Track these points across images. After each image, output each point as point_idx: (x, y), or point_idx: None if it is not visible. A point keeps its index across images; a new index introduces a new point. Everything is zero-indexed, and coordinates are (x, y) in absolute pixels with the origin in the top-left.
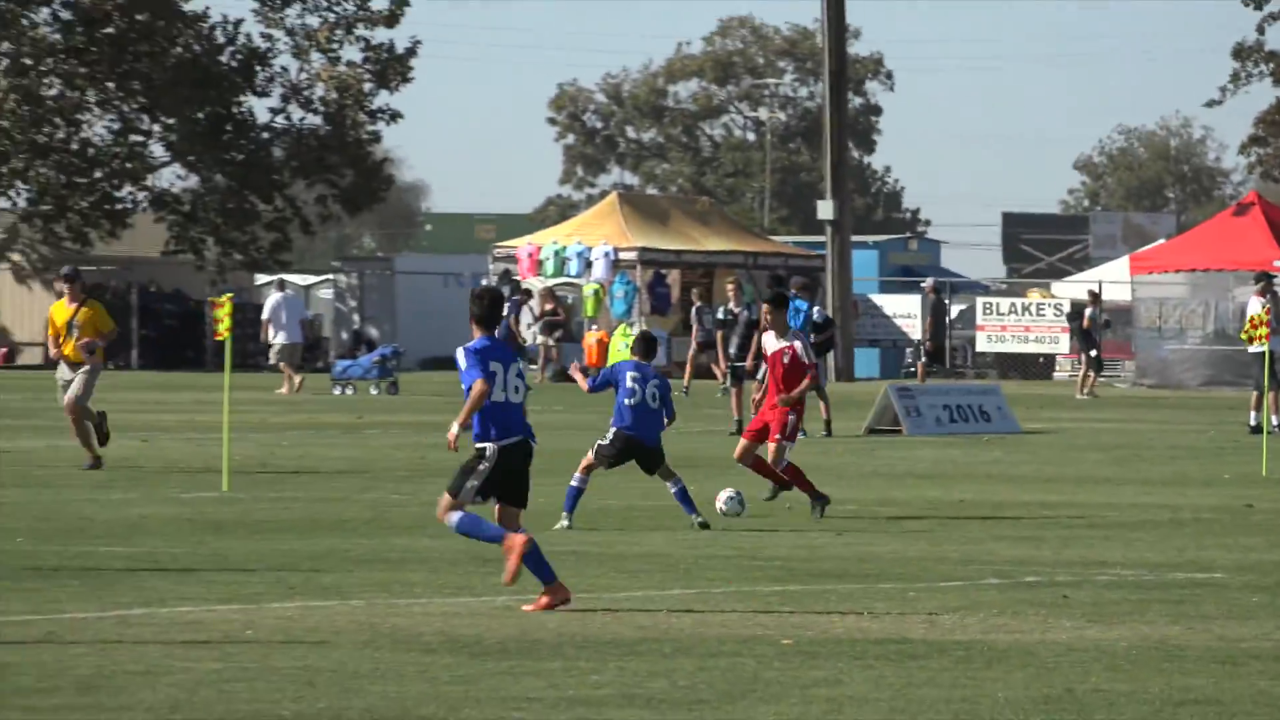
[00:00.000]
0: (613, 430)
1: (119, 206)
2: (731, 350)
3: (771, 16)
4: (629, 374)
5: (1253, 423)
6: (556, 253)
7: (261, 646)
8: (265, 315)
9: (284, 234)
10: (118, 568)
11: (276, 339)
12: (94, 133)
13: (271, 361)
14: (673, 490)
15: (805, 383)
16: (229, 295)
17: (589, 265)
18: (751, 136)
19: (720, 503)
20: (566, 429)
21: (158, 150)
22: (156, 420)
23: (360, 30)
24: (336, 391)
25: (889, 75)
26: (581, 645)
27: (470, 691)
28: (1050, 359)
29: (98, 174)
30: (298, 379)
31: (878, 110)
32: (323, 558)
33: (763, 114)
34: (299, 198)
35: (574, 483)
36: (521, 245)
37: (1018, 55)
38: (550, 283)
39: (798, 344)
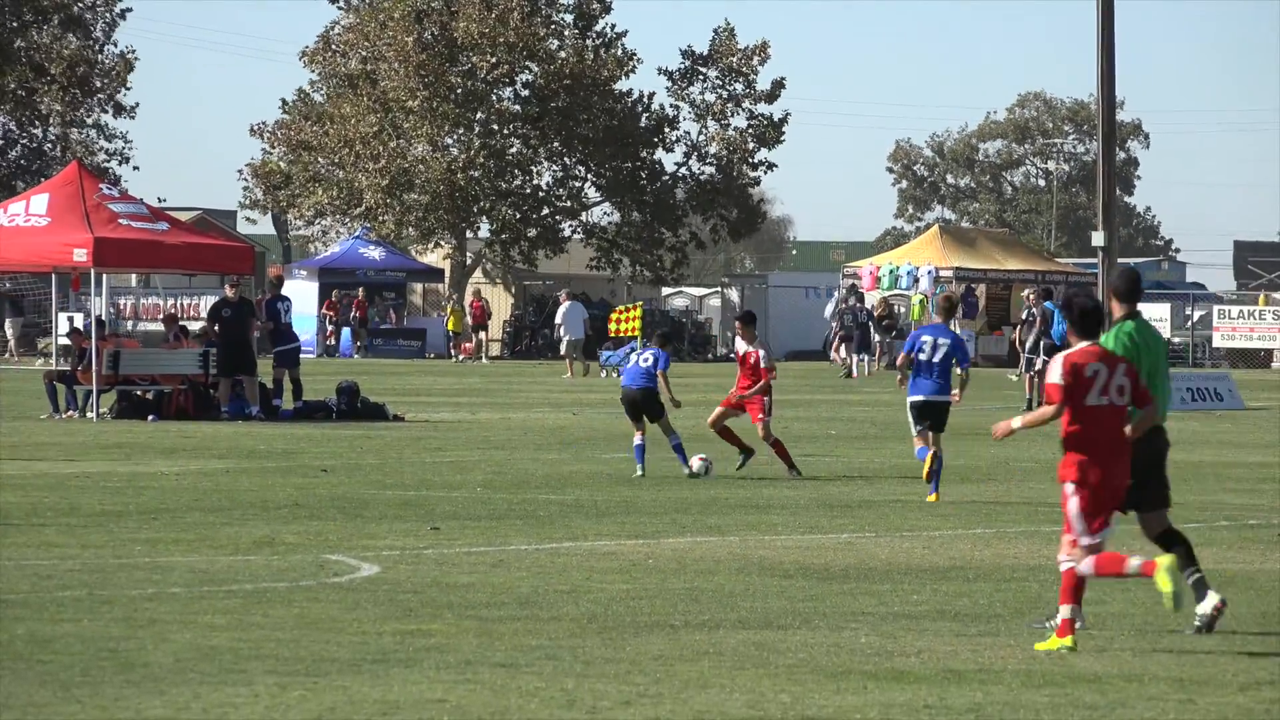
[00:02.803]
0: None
1: (559, 235)
2: (1027, 343)
3: (1059, 91)
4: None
5: None
6: (891, 271)
7: (659, 572)
8: (557, 319)
9: (682, 254)
10: (552, 511)
11: (566, 337)
12: (542, 180)
13: (562, 354)
14: (671, 443)
15: (763, 381)
16: (639, 303)
17: (916, 280)
18: (1042, 183)
19: (694, 464)
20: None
21: (590, 193)
22: (582, 397)
23: (746, 104)
24: (603, 375)
25: (1146, 136)
26: (905, 572)
27: (818, 607)
28: (1270, 352)
29: (545, 211)
30: (582, 367)
31: (1137, 162)
32: (708, 504)
33: (1051, 166)
34: (695, 227)
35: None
36: (865, 265)
37: (1238, 121)
38: (886, 294)
39: (761, 351)
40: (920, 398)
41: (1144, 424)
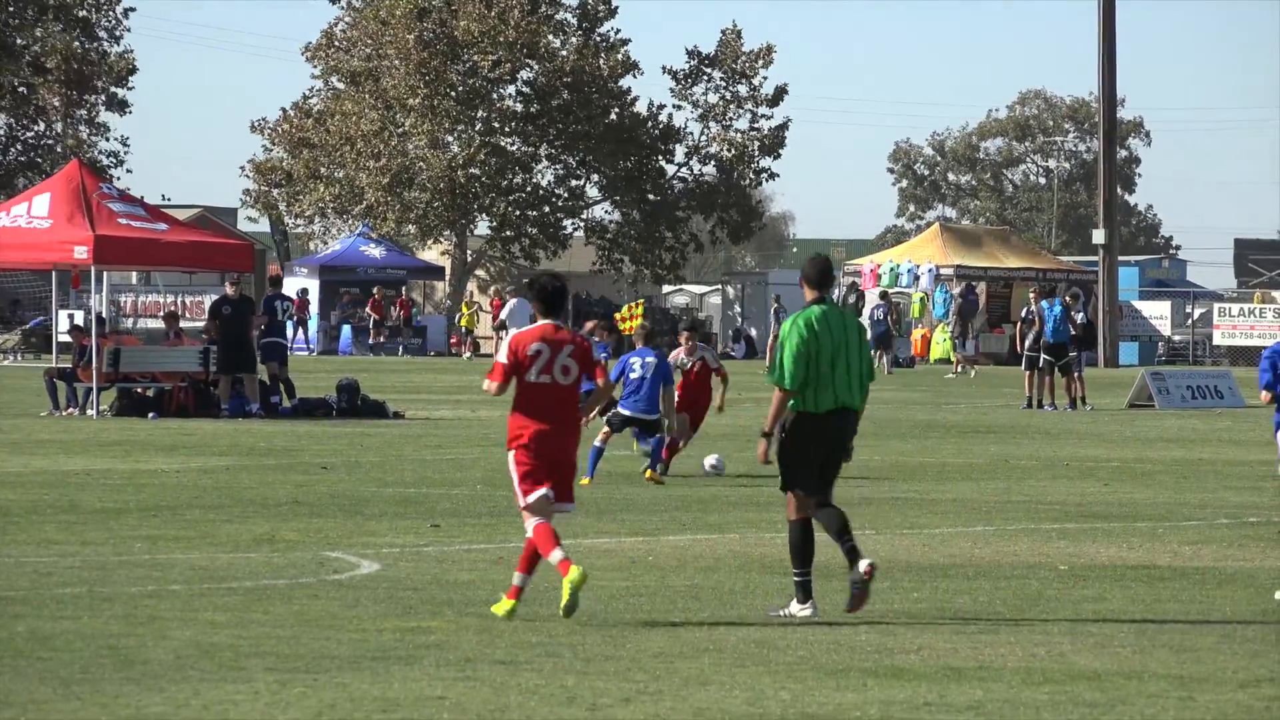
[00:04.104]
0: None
1: (560, 233)
2: (1028, 342)
3: (1059, 89)
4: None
5: None
6: (892, 269)
7: (659, 570)
8: (504, 315)
9: (681, 254)
10: None
11: (511, 331)
12: (543, 178)
13: None
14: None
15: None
16: (641, 301)
17: (916, 278)
18: (1043, 181)
19: (707, 464)
20: (897, 403)
21: (591, 192)
22: None
23: (749, 107)
24: None
25: (1147, 134)
26: (906, 569)
27: (820, 604)
28: None
29: (545, 209)
30: None
31: (1138, 160)
32: (708, 501)
33: (1051, 164)
34: (695, 228)
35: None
36: (865, 263)
37: (1238, 119)
38: (889, 291)
39: (682, 359)
40: (628, 412)
41: (599, 399)
